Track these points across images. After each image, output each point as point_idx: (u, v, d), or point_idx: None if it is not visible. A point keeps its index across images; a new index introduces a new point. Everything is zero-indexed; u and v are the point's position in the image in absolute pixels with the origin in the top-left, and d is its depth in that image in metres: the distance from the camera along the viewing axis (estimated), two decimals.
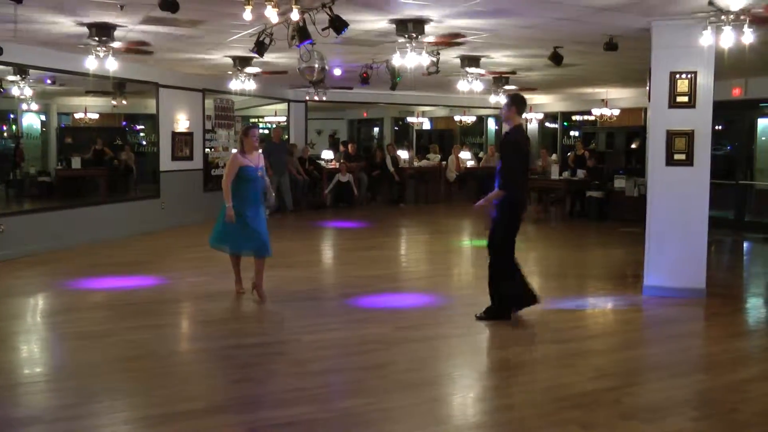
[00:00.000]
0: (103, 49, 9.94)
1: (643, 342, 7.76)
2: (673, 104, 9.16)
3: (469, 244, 14.46)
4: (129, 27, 9.80)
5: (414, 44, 9.60)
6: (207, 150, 16.94)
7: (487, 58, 12.71)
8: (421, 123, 28.52)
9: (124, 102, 17.61)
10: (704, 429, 5.22)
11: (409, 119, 28.23)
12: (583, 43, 10.80)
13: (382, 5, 8.52)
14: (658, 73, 9.24)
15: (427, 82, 14.99)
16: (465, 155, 23.20)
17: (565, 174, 18.46)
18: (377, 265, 11.64)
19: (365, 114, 28.90)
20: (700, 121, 9.12)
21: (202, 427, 5.15)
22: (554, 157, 21.85)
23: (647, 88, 9.60)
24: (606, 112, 20.24)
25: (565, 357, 6.87)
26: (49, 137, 18.63)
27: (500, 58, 12.86)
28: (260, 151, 9.17)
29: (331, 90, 17.66)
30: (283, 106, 21.48)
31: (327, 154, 22.46)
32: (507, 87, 15.77)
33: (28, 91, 14.90)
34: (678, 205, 9.12)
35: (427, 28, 9.47)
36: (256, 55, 9.83)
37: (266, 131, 26.49)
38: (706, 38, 8.21)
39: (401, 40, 9.60)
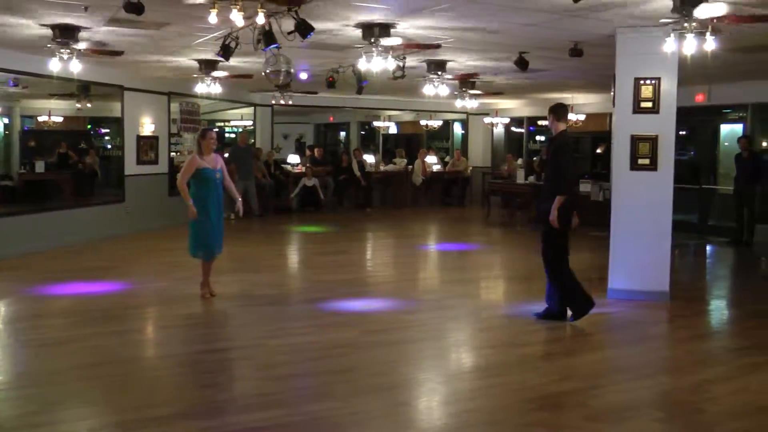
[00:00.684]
0: (67, 51, 9.83)
1: (608, 344, 7.83)
2: (637, 110, 9.26)
3: (435, 249, 14.49)
4: (93, 29, 9.71)
5: (380, 49, 9.61)
6: (172, 154, 16.83)
7: (453, 63, 12.75)
8: (388, 127, 28.51)
9: (89, 105, 17.41)
10: (669, 429, 5.28)
11: (376, 123, 28.21)
12: (549, 48, 10.87)
13: (348, 10, 8.51)
14: (622, 79, 9.34)
15: (393, 86, 14.99)
16: (431, 159, 23.26)
17: (531, 179, 18.55)
18: (343, 269, 11.63)
19: (331, 118, 28.82)
20: (664, 126, 9.23)
21: None
22: (520, 161, 21.96)
23: (612, 93, 9.70)
24: (572, 117, 20.34)
25: (531, 360, 6.92)
26: (12, 140, 18.39)
27: (466, 63, 12.90)
28: (226, 154, 9.14)
29: (297, 94, 17.62)
30: (250, 110, 21.40)
31: (293, 159, 22.40)
32: (473, 91, 15.81)
33: None
34: (642, 209, 9.21)
35: (394, 32, 9.48)
36: (222, 59, 9.78)
37: (233, 135, 26.36)
38: (670, 45, 8.29)
39: (367, 44, 9.60)
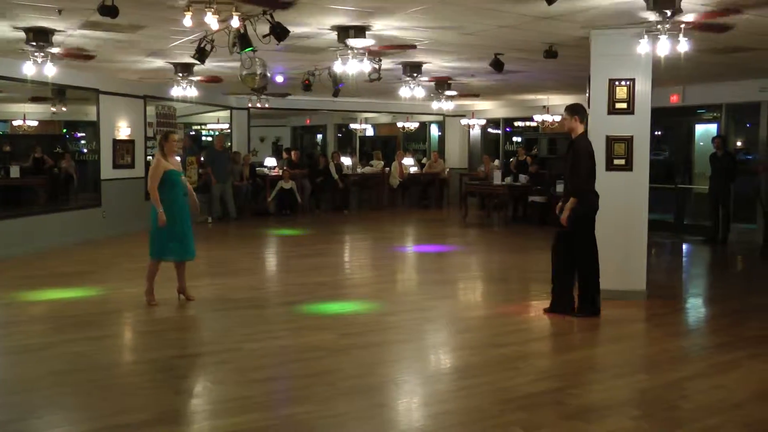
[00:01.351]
0: (41, 54, 9.77)
1: (585, 344, 7.86)
2: (612, 110, 9.32)
3: (413, 250, 14.52)
4: (68, 32, 9.65)
5: (355, 51, 9.62)
6: (149, 157, 16.72)
7: (429, 65, 12.78)
8: (364, 129, 28.55)
9: (64, 109, 17.33)
10: (645, 427, 5.31)
11: (352, 126, 28.25)
12: (524, 50, 10.93)
13: (323, 12, 8.52)
14: (597, 81, 9.39)
15: (369, 88, 15.02)
16: (408, 161, 23.31)
17: (508, 179, 18.62)
18: (321, 272, 11.61)
19: (308, 121, 28.82)
20: (639, 127, 9.30)
21: None
22: (497, 162, 22.04)
23: (587, 94, 9.74)
24: (548, 118, 20.48)
25: (508, 360, 6.93)
26: None
27: (442, 65, 12.94)
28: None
29: (273, 97, 17.60)
30: (226, 113, 21.36)
31: (270, 162, 22.36)
32: (449, 93, 15.86)
33: None
34: (618, 209, 9.26)
35: (369, 35, 9.49)
36: (198, 62, 9.76)
37: (209, 139, 26.30)
38: (643, 47, 8.37)
39: (343, 47, 9.61)
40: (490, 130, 24.60)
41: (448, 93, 15.67)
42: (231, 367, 6.72)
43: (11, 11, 8.48)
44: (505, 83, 15.82)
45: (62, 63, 11.06)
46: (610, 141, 9.31)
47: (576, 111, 8.47)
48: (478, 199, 20.78)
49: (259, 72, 10.15)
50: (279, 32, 8.10)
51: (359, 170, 22.95)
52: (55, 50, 9.91)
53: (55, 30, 9.49)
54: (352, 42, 9.42)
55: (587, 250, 8.44)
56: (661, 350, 7.44)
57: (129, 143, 15.62)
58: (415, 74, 12.88)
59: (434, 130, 26.95)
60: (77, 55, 10.82)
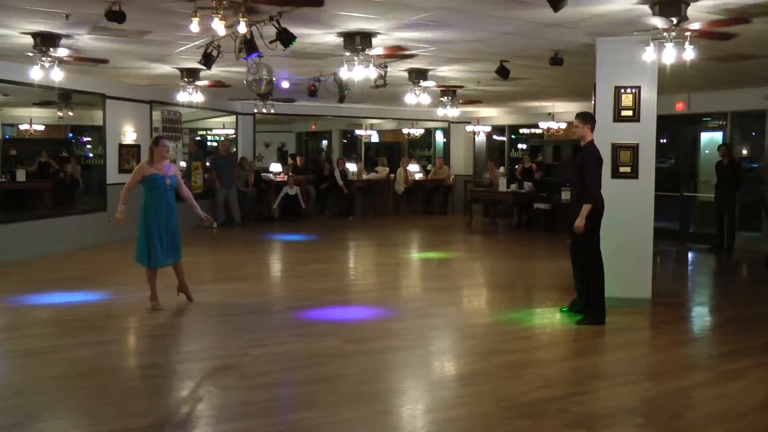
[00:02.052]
0: (49, 59, 9.80)
1: (590, 351, 7.84)
2: (617, 118, 9.32)
3: (418, 257, 14.52)
4: (75, 37, 9.68)
5: (361, 57, 9.63)
6: None
7: (434, 72, 12.79)
8: (369, 136, 28.56)
9: (71, 113, 17.35)
10: None
11: (358, 132, 28.25)
12: (530, 57, 10.93)
13: (330, 18, 8.53)
14: (602, 88, 9.40)
15: (375, 95, 15.02)
16: (413, 168, 23.30)
17: (513, 186, 18.61)
18: (326, 278, 11.61)
19: (314, 127, 28.84)
20: (645, 134, 9.30)
21: None
22: (502, 169, 22.04)
23: (592, 102, 9.74)
24: (553, 125, 20.47)
25: (513, 367, 6.92)
26: None
27: (448, 72, 12.94)
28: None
29: (278, 102, 17.61)
30: (231, 118, 21.37)
31: (275, 167, 22.38)
32: (455, 99, 15.86)
33: None
34: (624, 216, 9.24)
35: (375, 41, 9.50)
36: (204, 67, 9.78)
37: (214, 144, 26.32)
38: (649, 54, 8.37)
39: (348, 53, 9.62)
40: (495, 136, 24.59)
41: (453, 100, 15.66)
42: (235, 373, 6.72)
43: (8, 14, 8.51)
44: (511, 90, 15.82)
45: (69, 68, 11.09)
46: (616, 148, 9.31)
47: (589, 119, 8.56)
48: (483, 205, 20.77)
49: (264, 78, 10.16)
50: (285, 38, 8.11)
51: (364, 176, 22.95)
52: (62, 55, 9.94)
53: (62, 35, 9.51)
54: (367, 51, 9.45)
55: (593, 256, 8.45)
56: (666, 358, 7.43)
57: (134, 148, 15.63)
58: (420, 81, 12.88)
59: (439, 137, 26.95)
60: (84, 59, 10.84)
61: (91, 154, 20.59)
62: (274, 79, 10.65)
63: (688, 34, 7.99)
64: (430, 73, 12.77)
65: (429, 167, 24.82)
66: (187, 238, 10.17)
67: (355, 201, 21.89)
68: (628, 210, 9.26)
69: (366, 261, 14.66)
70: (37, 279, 11.05)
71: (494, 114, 23.35)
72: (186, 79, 13.02)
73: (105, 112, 14.93)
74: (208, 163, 18.88)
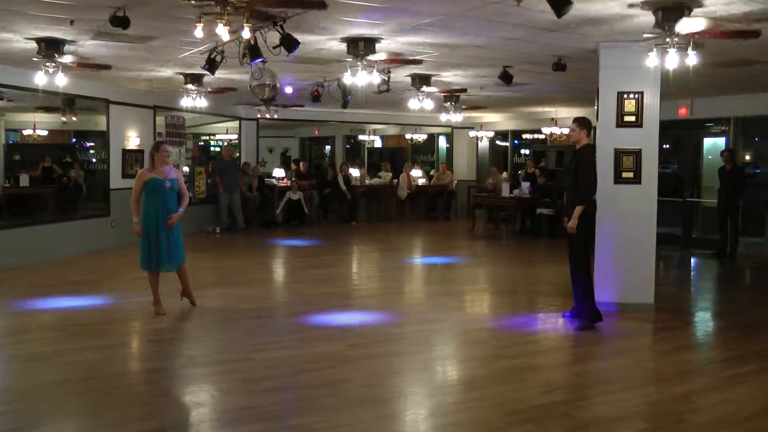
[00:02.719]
0: (53, 64, 9.83)
1: (593, 356, 7.85)
2: (620, 124, 9.33)
3: (421, 262, 14.53)
4: (79, 42, 9.71)
5: (365, 63, 9.64)
6: None
7: (437, 77, 12.81)
8: (373, 141, 28.60)
9: (74, 118, 17.38)
10: None
11: (361, 137, 28.29)
12: (533, 63, 10.95)
13: (333, 24, 8.55)
14: (605, 93, 9.40)
15: (378, 100, 15.05)
16: (416, 173, 23.31)
17: (516, 192, 18.61)
18: (329, 282, 11.62)
19: (317, 132, 28.87)
20: (647, 140, 9.31)
21: None
22: (505, 175, 22.05)
23: (595, 107, 9.75)
24: (556, 130, 20.47)
25: (516, 372, 6.92)
26: None
27: (451, 77, 12.96)
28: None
29: (282, 108, 17.64)
30: (235, 123, 21.40)
31: (278, 172, 22.40)
32: (458, 105, 15.88)
33: None
34: (627, 222, 9.27)
35: (378, 47, 9.52)
36: (208, 73, 9.80)
37: (218, 149, 26.35)
38: (652, 60, 8.37)
39: (352, 58, 9.64)
40: (498, 142, 24.61)
41: (456, 105, 15.68)
42: (238, 377, 6.73)
43: (12, 20, 8.54)
44: (514, 95, 15.83)
45: (73, 73, 11.12)
46: (619, 154, 9.32)
47: (586, 124, 8.55)
48: (486, 211, 20.77)
49: (268, 83, 10.19)
50: (289, 43, 8.13)
51: (367, 182, 22.98)
52: (66, 60, 9.97)
53: (66, 41, 9.54)
54: (368, 55, 9.47)
55: (583, 259, 8.49)
56: (669, 363, 7.43)
57: (138, 153, 15.66)
58: (424, 86, 12.90)
59: (442, 142, 26.98)
60: (88, 65, 10.87)
61: (94, 159, 20.60)
62: (277, 84, 10.68)
63: (691, 39, 7.99)
64: (433, 78, 12.79)
65: (432, 172, 24.84)
66: (190, 243, 10.20)
67: (359, 206, 21.91)
68: (630, 215, 9.28)
69: (369, 266, 14.67)
70: (41, 284, 11.07)
71: (497, 119, 23.37)
72: (190, 84, 13.04)
73: (108, 117, 14.96)
74: (211, 168, 18.91)
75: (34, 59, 9.89)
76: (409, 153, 27.40)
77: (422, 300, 10.82)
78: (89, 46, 10.00)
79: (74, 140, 20.94)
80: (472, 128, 23.49)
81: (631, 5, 7.39)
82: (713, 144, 17.54)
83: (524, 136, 24.00)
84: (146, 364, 7.50)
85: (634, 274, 9.32)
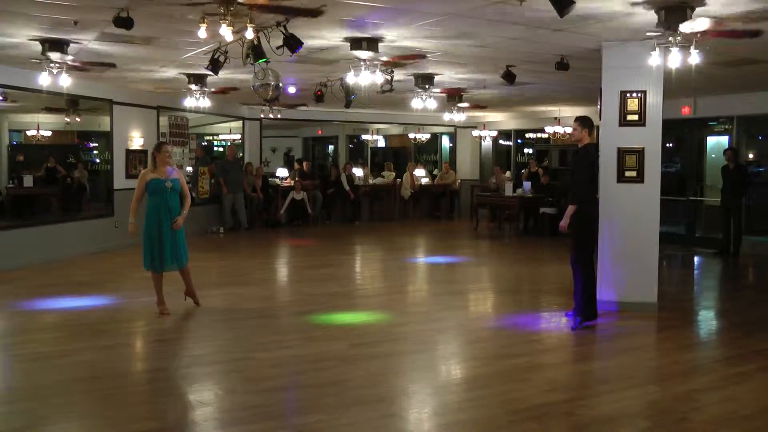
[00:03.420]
0: (57, 65, 9.85)
1: (596, 355, 7.86)
2: (623, 122, 9.32)
3: (424, 261, 14.53)
4: (83, 43, 9.73)
5: (368, 63, 9.65)
6: None
7: (441, 76, 12.81)
8: (376, 141, 28.60)
9: (78, 119, 17.40)
10: None
11: (364, 137, 28.29)
12: (536, 62, 10.95)
13: (336, 24, 8.56)
14: (608, 93, 9.40)
15: (381, 99, 15.06)
16: (419, 173, 23.32)
17: (519, 191, 18.62)
18: (332, 282, 11.64)
19: (320, 132, 28.88)
20: (650, 138, 9.30)
21: None
22: (508, 174, 22.05)
23: (598, 106, 9.75)
24: (559, 129, 20.45)
25: (519, 371, 6.93)
26: (0, 155, 18.33)
27: (454, 77, 12.97)
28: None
29: (285, 108, 17.66)
30: (238, 123, 21.42)
31: (282, 172, 22.42)
32: (461, 104, 15.88)
33: None
34: (629, 220, 9.27)
35: (381, 46, 9.53)
36: (211, 73, 9.82)
37: (221, 149, 26.37)
38: (655, 59, 8.37)
39: (355, 58, 9.65)
40: (501, 141, 24.61)
41: (459, 105, 15.69)
42: (242, 376, 6.75)
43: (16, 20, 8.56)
44: (517, 95, 15.84)
45: (76, 74, 11.14)
46: (622, 153, 9.31)
47: (588, 124, 8.56)
48: (489, 210, 20.78)
49: (271, 83, 10.20)
50: (292, 43, 8.14)
51: (370, 181, 22.99)
52: (70, 61, 9.99)
53: (70, 41, 9.55)
54: (372, 55, 9.47)
55: (584, 258, 8.51)
56: (672, 362, 7.44)
57: (142, 153, 15.67)
58: (427, 86, 12.90)
59: (445, 142, 26.97)
60: (92, 65, 10.89)
61: (98, 160, 20.61)
62: (281, 84, 10.69)
63: (693, 38, 7.99)
64: (436, 78, 12.80)
65: (435, 172, 24.85)
66: (194, 243, 10.22)
67: (362, 206, 21.93)
68: (633, 214, 9.28)
69: (372, 265, 14.68)
70: (45, 284, 11.09)
71: (500, 118, 23.37)
72: (193, 85, 13.06)
73: (112, 117, 14.98)
74: (215, 168, 18.93)
75: (38, 60, 9.91)
76: (412, 152, 27.40)
77: (425, 299, 10.83)
78: (93, 47, 10.01)
79: (78, 141, 20.96)
80: (475, 127, 23.48)
81: (633, 4, 7.39)
82: (716, 143, 17.55)
83: (527, 135, 23.98)
84: (150, 363, 7.52)
85: (637, 273, 9.31)
